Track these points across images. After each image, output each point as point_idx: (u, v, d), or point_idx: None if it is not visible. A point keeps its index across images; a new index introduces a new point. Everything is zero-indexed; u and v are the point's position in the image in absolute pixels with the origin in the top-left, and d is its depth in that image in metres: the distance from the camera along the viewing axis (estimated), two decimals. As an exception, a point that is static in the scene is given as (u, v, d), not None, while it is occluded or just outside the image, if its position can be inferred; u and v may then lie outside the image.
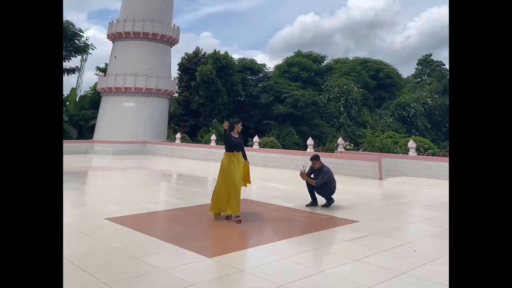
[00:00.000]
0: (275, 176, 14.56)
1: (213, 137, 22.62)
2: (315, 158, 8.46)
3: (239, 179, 7.10)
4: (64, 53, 33.48)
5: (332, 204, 8.39)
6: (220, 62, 33.59)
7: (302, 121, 34.63)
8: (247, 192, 10.53)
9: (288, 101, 33.75)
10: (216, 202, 7.14)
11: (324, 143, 28.03)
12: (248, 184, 7.69)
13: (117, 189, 11.29)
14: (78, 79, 55.66)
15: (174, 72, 39.39)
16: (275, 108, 34.83)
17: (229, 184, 7.07)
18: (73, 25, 32.62)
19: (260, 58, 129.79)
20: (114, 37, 27.51)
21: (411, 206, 8.97)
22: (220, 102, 33.87)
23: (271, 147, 24.12)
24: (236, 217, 7.01)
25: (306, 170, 8.40)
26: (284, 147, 28.93)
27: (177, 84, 38.36)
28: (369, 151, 19.58)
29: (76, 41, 33.27)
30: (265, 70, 39.72)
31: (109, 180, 13.80)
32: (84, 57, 57.58)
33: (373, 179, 13.41)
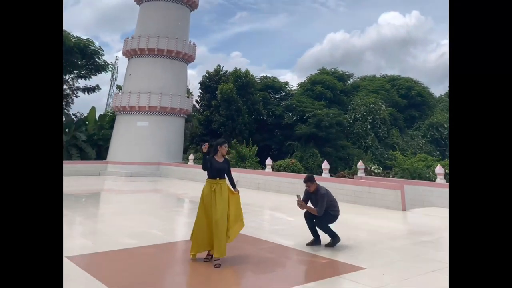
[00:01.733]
0: (285, 204, 13.33)
1: (192, 156, 21.59)
2: (309, 180, 7.19)
3: (221, 213, 5.97)
4: (84, 72, 33.73)
5: (338, 243, 7.14)
6: (241, 80, 32.94)
7: (327, 142, 33.32)
8: (245, 224, 9.42)
9: (311, 121, 32.59)
10: (197, 241, 6.05)
11: (351, 166, 26.60)
12: (238, 230, 6.37)
13: (104, 217, 10.39)
14: (108, 98, 56.42)
15: (196, 91, 39.15)
16: (297, 128, 33.69)
17: (210, 219, 6.01)
18: (93, 43, 32.83)
19: (288, 77, 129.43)
20: (129, 54, 27.26)
21: (435, 248, 7.55)
22: (241, 122, 33.07)
23: (292, 170, 22.92)
24: (215, 260, 5.88)
25: (302, 198, 7.22)
26: (308, 169, 27.66)
27: (199, 103, 38.03)
28: (400, 175, 18.10)
29: (97, 59, 33.40)
30: (288, 88, 38.78)
31: (105, 205, 12.98)
32: (114, 76, 58.56)
33: (395, 210, 11.97)
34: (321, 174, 16.65)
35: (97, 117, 32.90)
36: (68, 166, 23.44)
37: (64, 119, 34.90)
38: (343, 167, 29.25)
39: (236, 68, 34.09)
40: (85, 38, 32.58)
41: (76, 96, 36.65)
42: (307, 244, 7.15)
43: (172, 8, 27.56)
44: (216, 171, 6.19)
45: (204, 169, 6.25)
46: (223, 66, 36.74)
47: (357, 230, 9.00)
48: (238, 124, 33.06)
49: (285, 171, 23.09)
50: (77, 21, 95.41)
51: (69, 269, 5.47)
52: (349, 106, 36.39)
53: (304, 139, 33.58)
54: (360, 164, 18.32)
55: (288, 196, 15.09)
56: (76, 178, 21.85)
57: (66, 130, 30.62)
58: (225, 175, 6.26)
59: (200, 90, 36.60)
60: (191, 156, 24.33)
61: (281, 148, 35.39)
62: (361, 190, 13.10)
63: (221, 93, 32.12)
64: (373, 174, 19.51)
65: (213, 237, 5.91)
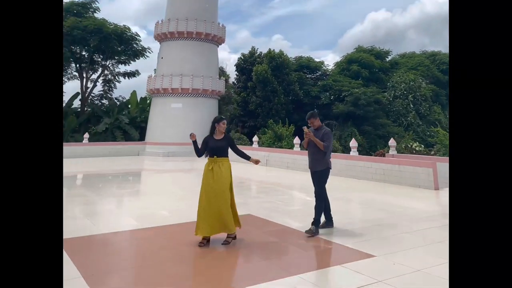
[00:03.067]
0: (310, 183, 12.46)
1: (255, 138, 20.94)
2: (312, 116, 6.31)
3: (222, 189, 5.43)
4: (123, 57, 33.98)
5: (331, 228, 6.43)
6: (275, 61, 31.93)
7: (365, 120, 31.80)
8: (258, 204, 8.72)
9: (348, 100, 31.16)
10: (199, 222, 5.46)
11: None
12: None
13: (121, 197, 10.03)
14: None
15: (233, 74, 38.55)
16: (335, 107, 32.37)
17: (209, 200, 5.41)
18: (129, 29, 32.87)
19: (330, 58, 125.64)
20: (160, 37, 26.88)
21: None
22: (277, 102, 32.21)
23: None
24: (228, 236, 5.59)
25: (304, 140, 6.42)
26: (346, 148, 26.51)
27: (236, 85, 37.44)
28: (442, 153, 16.70)
29: (134, 45, 33.50)
30: (324, 68, 37.21)
31: (130, 185, 12.71)
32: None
33: (427, 188, 10.81)
34: (349, 153, 15.55)
35: (138, 100, 33.10)
36: (109, 147, 23.84)
37: (107, 102, 35.59)
38: (382, 146, 27.85)
39: (270, 49, 33.01)
40: (121, 25, 32.71)
41: (118, 81, 37.19)
42: (320, 227, 6.31)
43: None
44: (212, 150, 5.64)
45: (197, 155, 5.86)
46: (257, 48, 35.78)
47: (379, 211, 8.06)
48: (275, 105, 32.21)
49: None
50: (127, 12, 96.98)
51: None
52: (388, 84, 34.44)
53: (342, 118, 32.28)
54: (392, 142, 17.04)
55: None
56: (116, 158, 22.11)
57: (110, 113, 31.16)
58: (225, 153, 5.67)
59: (236, 72, 35.94)
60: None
61: (319, 127, 34.27)
62: (391, 168, 11.97)
63: (256, 74, 31.35)
64: (414, 152, 18.18)
65: (215, 215, 5.37)
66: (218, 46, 28.30)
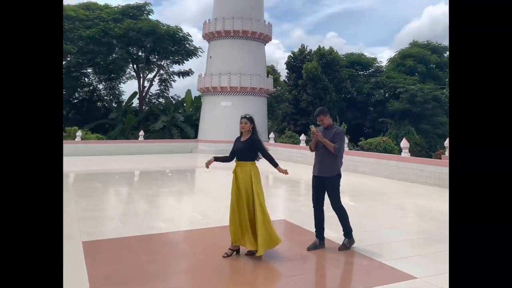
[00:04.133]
0: (355, 186, 11.68)
1: (303, 137, 20.23)
2: (321, 112, 5.35)
3: (242, 198, 4.92)
4: (177, 57, 34.60)
5: (353, 245, 5.46)
6: (325, 58, 30.90)
7: (423, 118, 29.89)
8: (295, 208, 8.13)
9: (404, 97, 29.41)
10: (232, 231, 5.02)
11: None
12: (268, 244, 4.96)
13: (159, 197, 9.85)
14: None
15: (284, 71, 37.96)
16: (389, 105, 30.75)
17: (234, 204, 5.02)
18: (181, 30, 33.42)
19: (387, 54, 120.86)
20: (208, 37, 26.84)
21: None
22: (328, 100, 31.20)
23: (384, 149, 20.78)
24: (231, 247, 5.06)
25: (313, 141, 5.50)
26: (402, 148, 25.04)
27: (287, 83, 36.81)
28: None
29: (187, 45, 33.99)
30: (376, 64, 35.51)
31: (174, 183, 12.59)
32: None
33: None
34: (400, 153, 14.45)
35: (193, 99, 33.55)
36: (163, 145, 24.26)
37: (164, 101, 36.48)
38: (443, 146, 26.01)
39: (319, 46, 32.02)
40: (174, 26, 33.30)
41: (173, 80, 37.99)
42: (308, 249, 5.30)
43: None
44: (234, 152, 5.17)
45: (228, 160, 5.28)
46: (307, 46, 34.86)
47: (430, 220, 7.20)
48: (326, 103, 31.21)
49: (376, 150, 20.99)
50: (186, 14, 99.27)
51: (75, 254, 4.83)
52: (447, 80, 32.15)
53: (397, 116, 30.56)
54: (447, 142, 15.62)
55: (363, 177, 13.34)
56: (169, 155, 22.34)
57: (166, 111, 31.87)
58: (248, 156, 5.02)
59: (286, 70, 35.33)
60: (272, 135, 23.42)
61: (373, 125, 32.79)
62: (446, 172, 10.85)
63: (306, 72, 30.55)
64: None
65: (238, 224, 4.95)
66: (265, 44, 27.83)
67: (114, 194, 9.91)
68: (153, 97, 38.08)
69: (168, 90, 38.27)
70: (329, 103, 31.24)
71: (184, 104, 33.97)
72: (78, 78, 34.32)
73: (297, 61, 33.86)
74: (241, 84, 25.03)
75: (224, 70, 25.23)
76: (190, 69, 37.13)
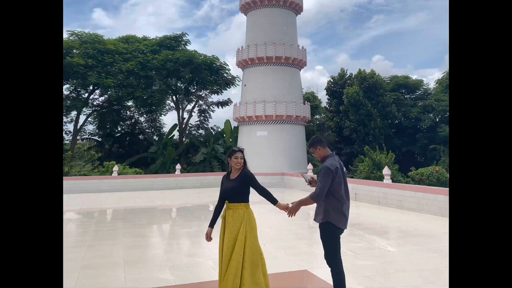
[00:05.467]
0: (400, 225, 10.43)
1: (310, 166, 18.99)
2: (312, 145, 4.28)
3: (230, 245, 4.07)
4: (215, 87, 34.78)
5: None
6: (367, 81, 29.79)
7: (479, 144, 27.67)
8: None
9: (456, 121, 27.46)
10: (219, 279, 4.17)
11: None
12: None
13: (179, 238, 9.17)
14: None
15: (324, 98, 37.04)
16: (440, 130, 28.89)
17: (222, 252, 4.19)
18: (218, 59, 33.61)
19: (437, 76, 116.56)
20: (241, 64, 26.54)
21: None
22: (373, 126, 29.88)
23: (437, 180, 19.22)
24: None
25: (308, 178, 4.42)
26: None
27: (328, 109, 35.84)
28: None
29: (224, 74, 34.13)
30: (424, 86, 33.79)
31: (200, 222, 11.93)
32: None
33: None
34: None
35: (232, 129, 33.35)
36: (200, 178, 23.79)
37: (203, 132, 36.61)
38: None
39: (360, 69, 30.98)
40: (210, 55, 33.62)
41: (212, 111, 38.18)
42: None
43: (277, 14, 26.02)
44: (223, 193, 4.35)
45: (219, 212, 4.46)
46: (347, 69, 34.02)
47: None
48: (371, 129, 29.94)
49: (429, 181, 19.42)
50: (229, 45, 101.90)
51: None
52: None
53: (450, 142, 28.55)
54: None
55: (410, 214, 12.01)
56: (204, 189, 21.73)
57: (206, 143, 31.84)
58: (240, 197, 4.24)
59: (327, 96, 34.44)
60: (309, 166, 22.27)
61: (425, 153, 30.87)
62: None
63: (347, 97, 29.57)
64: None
65: (224, 273, 4.04)
66: (300, 70, 27.09)
67: (121, 235, 9.37)
68: (193, 128, 38.41)
69: (208, 121, 38.54)
70: (374, 130, 29.86)
71: (224, 135, 33.81)
72: (119, 111, 35.27)
73: (337, 86, 32.99)
74: (276, 112, 24.34)
75: (259, 98, 24.74)
76: (228, 98, 37.29)
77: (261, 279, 4.02)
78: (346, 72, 33.77)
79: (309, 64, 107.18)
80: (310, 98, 35.78)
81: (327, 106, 35.91)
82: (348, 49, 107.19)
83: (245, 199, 4.25)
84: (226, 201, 4.28)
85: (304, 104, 26.13)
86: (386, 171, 15.17)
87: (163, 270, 6.28)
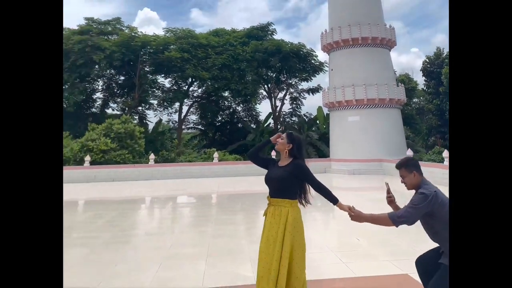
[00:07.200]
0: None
1: (446, 153, 16.53)
2: (409, 165, 3.14)
3: (273, 249, 3.14)
4: (304, 74, 33.57)
5: None
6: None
7: None
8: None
9: None
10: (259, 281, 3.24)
11: None
12: None
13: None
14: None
15: (422, 81, 33.52)
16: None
17: (263, 253, 3.24)
18: (304, 46, 32.50)
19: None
20: (327, 48, 24.76)
21: None
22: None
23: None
24: None
25: (390, 191, 3.39)
26: None
27: (425, 91, 32.38)
28: None
29: (312, 61, 32.74)
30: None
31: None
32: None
33: None
34: None
35: (325, 115, 31.96)
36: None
37: (297, 120, 35.72)
38: None
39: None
40: (297, 43, 32.48)
41: (304, 98, 37.06)
42: None
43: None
44: (266, 182, 3.40)
45: (248, 156, 3.66)
46: (443, 48, 30.02)
47: None
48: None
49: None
50: (320, 33, 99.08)
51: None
52: None
53: None
54: None
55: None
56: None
57: (301, 130, 31.03)
58: (285, 191, 3.27)
59: (424, 77, 31.00)
60: (409, 152, 19.98)
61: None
62: None
63: (446, 77, 26.13)
64: None
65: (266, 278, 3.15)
66: (389, 50, 24.49)
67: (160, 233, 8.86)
68: (286, 116, 37.76)
69: (300, 108, 37.58)
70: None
71: (317, 122, 32.65)
72: (218, 102, 35.95)
73: (434, 66, 29.52)
74: (367, 96, 22.34)
75: (347, 82, 22.94)
76: (318, 85, 35.94)
77: None
78: (443, 51, 29.98)
79: (404, 46, 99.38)
80: (404, 81, 32.63)
81: (425, 88, 32.44)
82: (445, 29, 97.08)
83: (291, 194, 3.28)
84: (268, 195, 3.38)
85: (397, 86, 23.69)
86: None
87: (244, 264, 5.53)
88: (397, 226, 2.95)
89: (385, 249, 6.23)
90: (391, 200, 3.36)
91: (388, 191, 3.35)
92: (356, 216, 3.16)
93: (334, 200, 3.32)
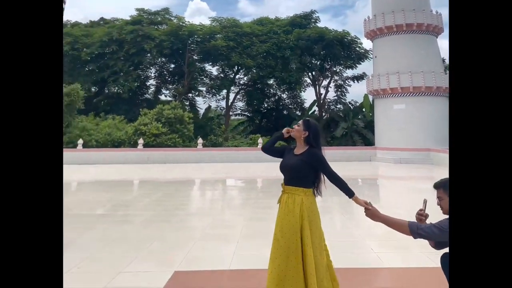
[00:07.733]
0: None
1: None
2: (441, 186, 2.74)
3: (290, 235, 3.03)
4: (348, 62, 32.73)
5: None
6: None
7: None
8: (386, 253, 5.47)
9: None
10: (273, 278, 3.05)
11: None
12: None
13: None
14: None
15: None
16: None
17: (278, 242, 3.09)
18: (348, 34, 31.76)
19: None
20: (370, 35, 23.85)
21: None
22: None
23: None
24: None
25: (425, 209, 2.98)
26: None
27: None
28: None
29: (357, 48, 31.74)
30: None
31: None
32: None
33: None
34: None
35: (371, 103, 31.00)
36: (340, 152, 22.80)
37: (342, 107, 34.92)
38: None
39: None
40: (341, 30, 31.60)
41: (349, 85, 36.14)
42: None
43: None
44: (281, 170, 3.31)
45: (263, 150, 3.63)
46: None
47: None
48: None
49: None
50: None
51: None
52: None
53: None
54: None
55: None
56: (346, 163, 20.61)
57: (346, 117, 30.41)
58: (300, 180, 3.15)
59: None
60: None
61: None
62: None
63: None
64: None
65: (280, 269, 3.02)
66: (437, 37, 23.18)
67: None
68: (331, 103, 37.04)
69: (345, 95, 36.68)
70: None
71: (363, 109, 31.75)
72: (263, 89, 35.97)
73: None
74: (413, 84, 21.40)
75: (392, 69, 22.05)
76: (363, 72, 34.81)
77: None
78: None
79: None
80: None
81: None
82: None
83: (305, 183, 3.14)
84: (282, 182, 3.29)
85: (446, 73, 22.40)
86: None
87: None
88: (414, 238, 2.74)
89: (420, 241, 5.98)
90: (420, 219, 2.97)
91: (422, 209, 2.99)
92: (371, 213, 2.94)
93: (350, 193, 3.14)
